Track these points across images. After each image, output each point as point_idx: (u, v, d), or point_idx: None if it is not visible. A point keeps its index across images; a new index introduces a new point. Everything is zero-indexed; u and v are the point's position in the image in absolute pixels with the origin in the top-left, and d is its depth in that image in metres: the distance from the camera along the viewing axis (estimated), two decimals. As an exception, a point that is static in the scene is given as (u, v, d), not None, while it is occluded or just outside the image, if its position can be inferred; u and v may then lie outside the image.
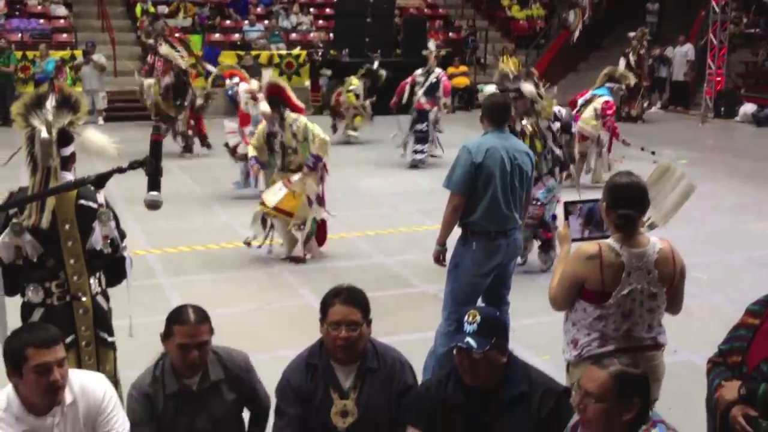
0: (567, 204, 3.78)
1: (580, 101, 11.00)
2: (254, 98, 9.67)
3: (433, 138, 12.90)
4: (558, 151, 7.38)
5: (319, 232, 8.14)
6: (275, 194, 7.78)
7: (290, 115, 7.72)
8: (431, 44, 13.92)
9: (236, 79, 11.31)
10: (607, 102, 10.93)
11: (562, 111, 7.44)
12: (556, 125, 7.40)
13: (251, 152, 8.16)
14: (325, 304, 3.37)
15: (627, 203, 3.49)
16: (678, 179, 4.14)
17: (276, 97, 7.77)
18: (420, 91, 12.74)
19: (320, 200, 7.97)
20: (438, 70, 12.94)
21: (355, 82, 14.70)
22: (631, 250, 3.50)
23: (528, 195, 5.32)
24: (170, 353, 3.31)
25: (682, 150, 13.96)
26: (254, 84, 10.01)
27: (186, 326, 3.24)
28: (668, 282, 3.56)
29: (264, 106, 7.93)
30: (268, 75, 8.51)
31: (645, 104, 18.77)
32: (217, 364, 3.36)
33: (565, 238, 3.71)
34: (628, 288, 3.50)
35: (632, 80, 12.21)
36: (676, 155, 12.79)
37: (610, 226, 3.58)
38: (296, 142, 7.69)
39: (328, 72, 18.00)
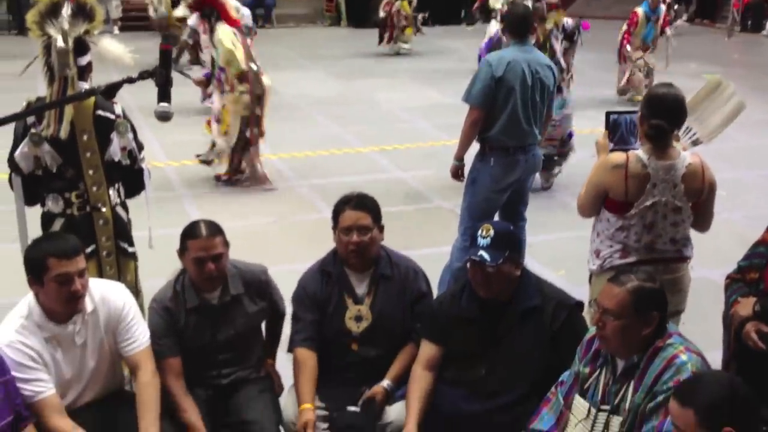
0: (608, 113, 3.73)
1: None
2: None
3: None
4: (563, 63, 7.23)
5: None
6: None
7: (219, 28, 7.21)
8: None
9: None
10: (633, 11, 10.95)
11: (569, 21, 7.29)
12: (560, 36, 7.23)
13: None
14: (336, 212, 3.39)
15: (661, 113, 3.44)
16: (729, 96, 4.04)
17: (208, 6, 7.28)
18: None
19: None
20: None
21: None
22: (659, 162, 3.46)
23: (549, 110, 5.25)
24: (188, 269, 3.33)
25: (707, 65, 13.67)
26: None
27: (199, 240, 3.25)
28: (695, 197, 3.53)
29: (182, 11, 7.41)
30: None
31: (671, 16, 18.31)
32: (236, 278, 3.38)
33: (602, 148, 3.68)
34: (652, 200, 3.48)
35: None
36: (700, 70, 12.53)
37: (641, 137, 3.54)
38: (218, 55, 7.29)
39: None
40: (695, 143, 3.89)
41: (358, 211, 3.33)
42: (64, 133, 3.60)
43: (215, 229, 3.30)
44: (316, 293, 3.40)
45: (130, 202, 4.02)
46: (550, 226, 6.57)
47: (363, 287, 3.40)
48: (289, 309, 3.58)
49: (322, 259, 3.50)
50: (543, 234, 6.33)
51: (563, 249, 6.13)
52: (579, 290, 3.85)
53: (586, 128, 8.04)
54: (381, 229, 3.41)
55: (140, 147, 3.92)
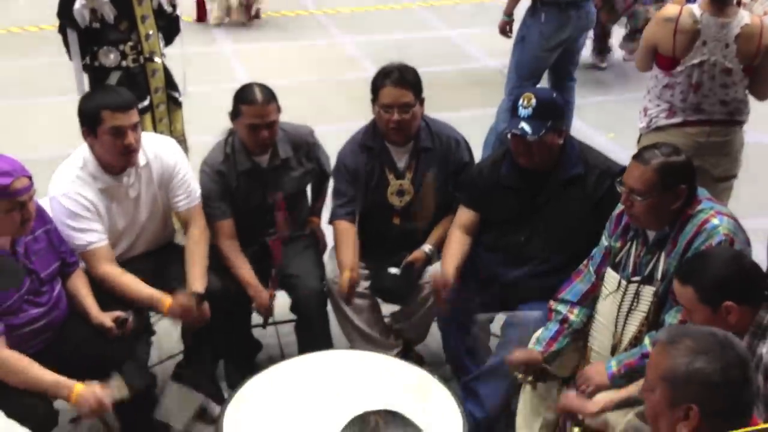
0: None
1: None
2: None
3: None
4: None
5: None
6: None
7: None
8: None
9: None
10: None
11: None
12: None
13: None
14: (376, 85, 3.25)
15: None
16: None
17: None
18: None
19: None
20: None
21: None
22: (713, 18, 3.31)
23: None
24: (239, 132, 3.29)
25: None
26: None
27: (253, 106, 3.18)
28: (748, 60, 3.39)
29: None
30: None
31: None
32: (285, 142, 3.35)
33: (677, 1, 3.54)
34: (700, 58, 3.36)
35: None
36: None
37: None
38: None
39: None
40: None
41: (399, 87, 3.19)
42: None
43: (270, 95, 3.22)
44: (357, 169, 3.35)
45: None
46: (600, 87, 6.42)
47: (404, 161, 3.34)
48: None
49: (362, 131, 3.40)
50: (592, 95, 6.20)
51: (613, 112, 6.01)
52: (628, 154, 3.78)
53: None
54: (422, 102, 3.28)
55: None
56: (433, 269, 3.29)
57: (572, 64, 5.19)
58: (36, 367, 2.62)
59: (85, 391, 2.58)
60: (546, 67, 5.07)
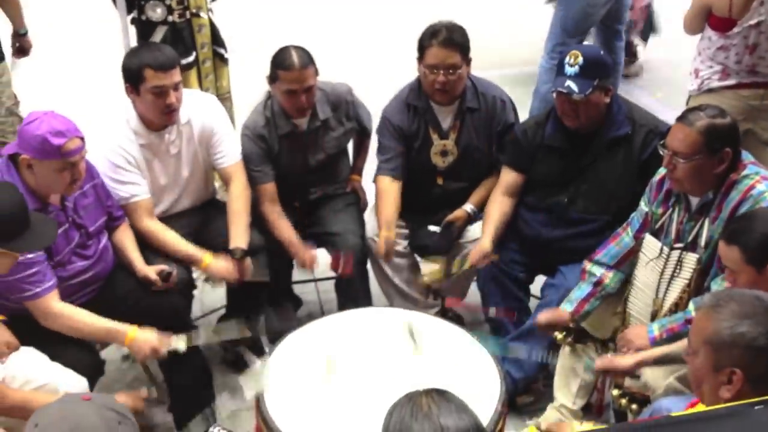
0: None
1: None
2: None
3: None
4: None
5: None
6: None
7: None
8: None
9: None
10: None
11: None
12: None
13: None
14: (422, 45, 3.20)
15: None
16: None
17: None
18: None
19: None
20: None
21: None
22: None
23: None
24: (278, 97, 3.28)
25: None
26: None
27: (291, 72, 3.15)
28: (806, 21, 3.30)
29: None
30: None
31: None
32: (324, 102, 3.34)
33: None
34: (758, 18, 3.27)
35: None
36: None
37: None
38: None
39: None
40: None
41: (446, 48, 3.13)
42: None
43: (307, 59, 3.18)
44: (402, 127, 3.32)
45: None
46: (648, 46, 6.27)
47: (448, 121, 3.30)
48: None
49: (407, 89, 3.36)
50: (641, 54, 6.06)
51: (661, 71, 5.89)
52: (676, 114, 3.71)
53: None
54: (469, 62, 3.22)
55: None
56: (474, 229, 3.30)
57: (620, 23, 5.04)
58: (89, 315, 2.70)
59: (140, 338, 2.67)
60: (593, 23, 4.90)
